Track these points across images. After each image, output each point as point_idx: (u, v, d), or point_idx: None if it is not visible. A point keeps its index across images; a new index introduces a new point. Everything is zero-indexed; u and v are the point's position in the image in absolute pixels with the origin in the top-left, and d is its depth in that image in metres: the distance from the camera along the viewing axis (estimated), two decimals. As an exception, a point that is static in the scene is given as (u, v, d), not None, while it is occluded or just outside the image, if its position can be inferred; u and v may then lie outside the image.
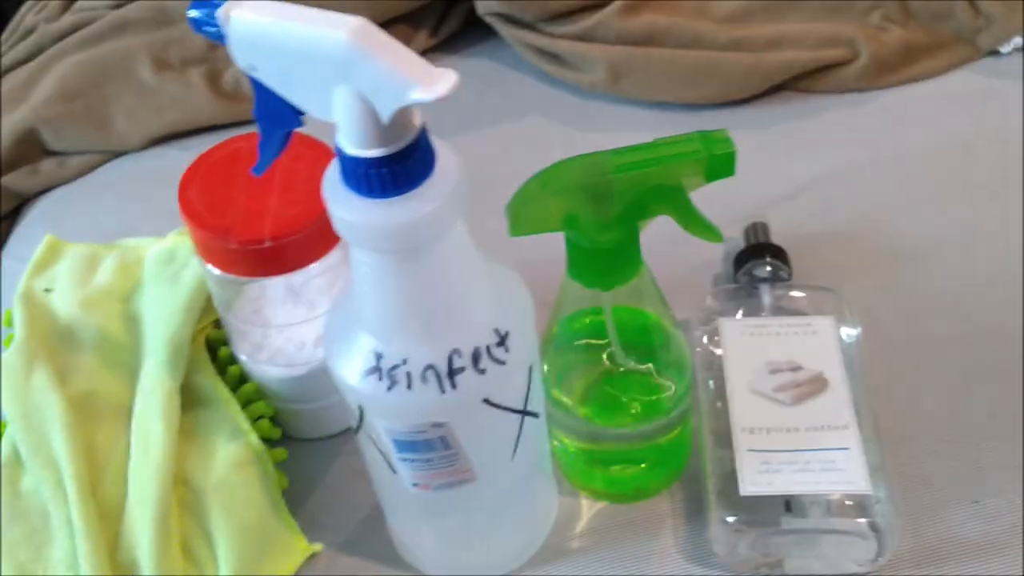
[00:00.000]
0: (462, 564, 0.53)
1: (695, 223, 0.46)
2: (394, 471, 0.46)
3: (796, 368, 0.54)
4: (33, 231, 0.73)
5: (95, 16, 0.79)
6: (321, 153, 0.51)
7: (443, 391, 0.41)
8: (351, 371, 0.42)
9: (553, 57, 0.77)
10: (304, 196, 0.49)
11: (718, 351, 0.56)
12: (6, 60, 0.80)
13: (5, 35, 0.85)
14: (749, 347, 0.56)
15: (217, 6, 0.35)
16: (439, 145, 0.38)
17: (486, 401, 0.43)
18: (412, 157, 0.36)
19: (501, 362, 0.42)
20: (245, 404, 0.56)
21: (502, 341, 0.42)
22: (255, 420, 0.55)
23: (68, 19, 0.80)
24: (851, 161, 0.71)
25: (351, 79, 0.34)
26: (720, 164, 0.44)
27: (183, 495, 0.52)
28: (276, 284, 0.54)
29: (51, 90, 0.75)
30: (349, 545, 0.54)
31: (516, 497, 0.50)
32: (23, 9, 0.85)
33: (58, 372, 0.55)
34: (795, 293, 0.60)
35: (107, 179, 0.75)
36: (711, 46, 0.74)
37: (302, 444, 0.58)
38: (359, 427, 0.45)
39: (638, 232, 0.46)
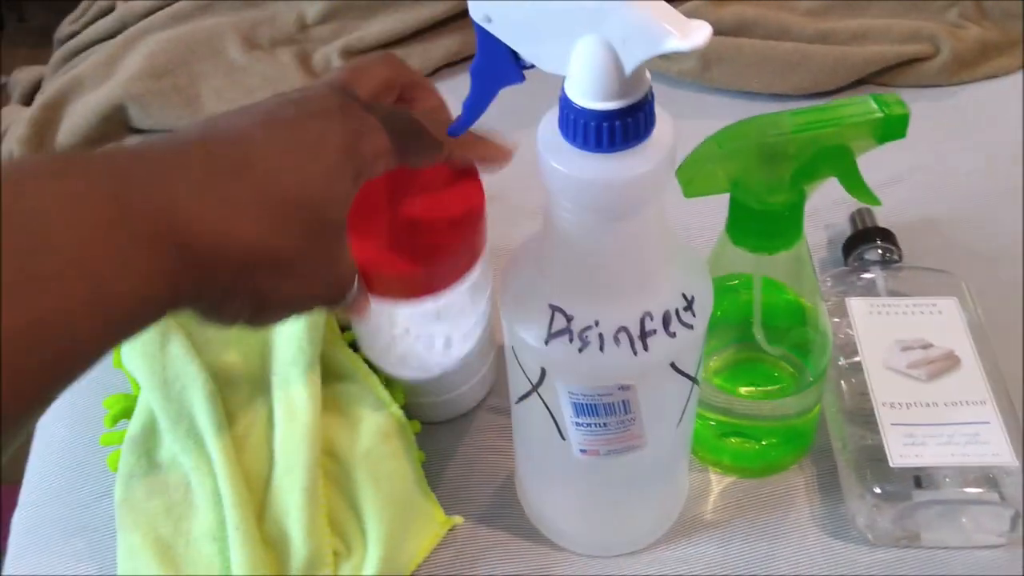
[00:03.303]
0: (602, 539, 0.53)
1: (859, 187, 0.46)
2: (563, 437, 0.46)
3: (927, 346, 0.55)
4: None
5: (178, -5, 0.78)
6: (464, 181, 0.50)
7: (635, 353, 0.41)
8: (536, 334, 0.42)
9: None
10: (448, 225, 0.48)
11: (841, 331, 0.57)
12: (86, 37, 0.78)
13: (75, 14, 0.83)
14: (877, 325, 0.56)
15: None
16: (656, 107, 0.38)
17: (672, 365, 0.43)
18: (643, 112, 0.36)
19: (689, 326, 0.42)
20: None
21: (689, 305, 0.42)
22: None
23: (150, -2, 0.79)
24: (936, 153, 0.73)
25: (602, 28, 0.34)
26: (894, 125, 0.45)
27: (328, 466, 0.52)
28: None
29: (139, 67, 0.74)
30: (486, 518, 0.54)
31: (670, 467, 0.51)
32: (98, -13, 0.84)
33: (192, 343, 0.54)
34: (909, 275, 0.61)
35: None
36: (798, 38, 0.75)
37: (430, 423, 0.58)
38: (529, 393, 0.45)
39: (805, 196, 0.47)
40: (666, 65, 0.77)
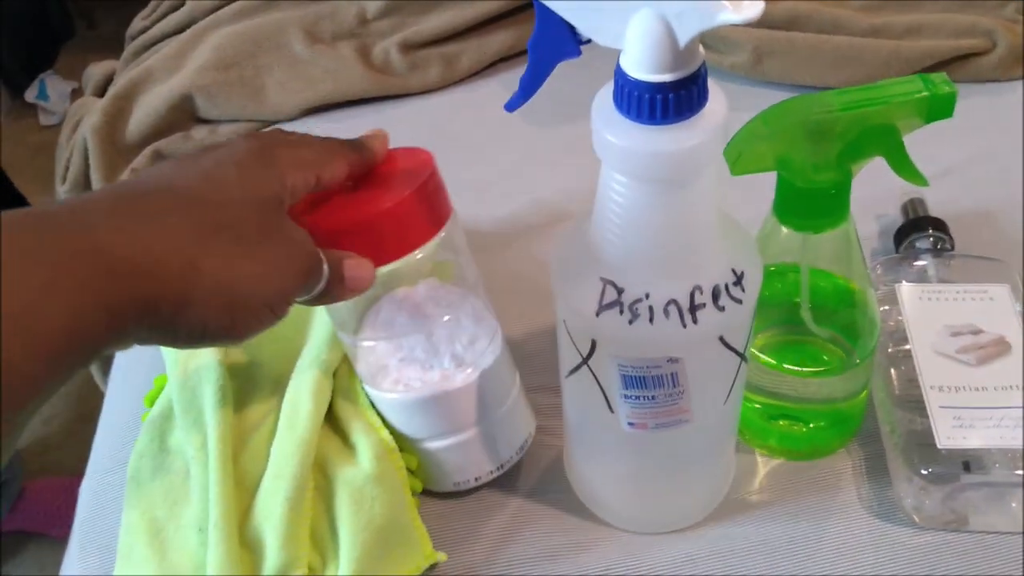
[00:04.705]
0: (649, 516, 0.54)
1: (906, 166, 0.47)
2: (611, 410, 0.47)
3: (977, 331, 0.55)
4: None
5: (245, -9, 0.81)
6: (411, 155, 0.48)
7: (684, 326, 0.42)
8: (587, 306, 0.43)
9: (693, 40, 0.79)
10: (397, 188, 0.46)
11: (891, 318, 0.57)
12: (157, 31, 0.82)
13: (146, 11, 0.87)
14: (927, 311, 0.57)
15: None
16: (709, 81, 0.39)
17: (720, 339, 0.44)
18: (696, 84, 0.37)
19: (738, 301, 0.43)
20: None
21: (739, 280, 0.43)
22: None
23: (218, -6, 0.82)
24: (991, 146, 0.73)
25: (657, 2, 0.35)
26: (941, 104, 0.45)
27: (319, 482, 0.52)
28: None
29: (206, 59, 0.77)
30: (536, 493, 0.56)
31: (716, 444, 0.51)
32: (170, -16, 0.87)
33: None
34: (959, 263, 0.61)
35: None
36: (851, 32, 0.76)
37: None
38: (579, 366, 0.46)
39: (851, 176, 0.47)
40: (718, 59, 0.78)
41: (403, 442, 0.54)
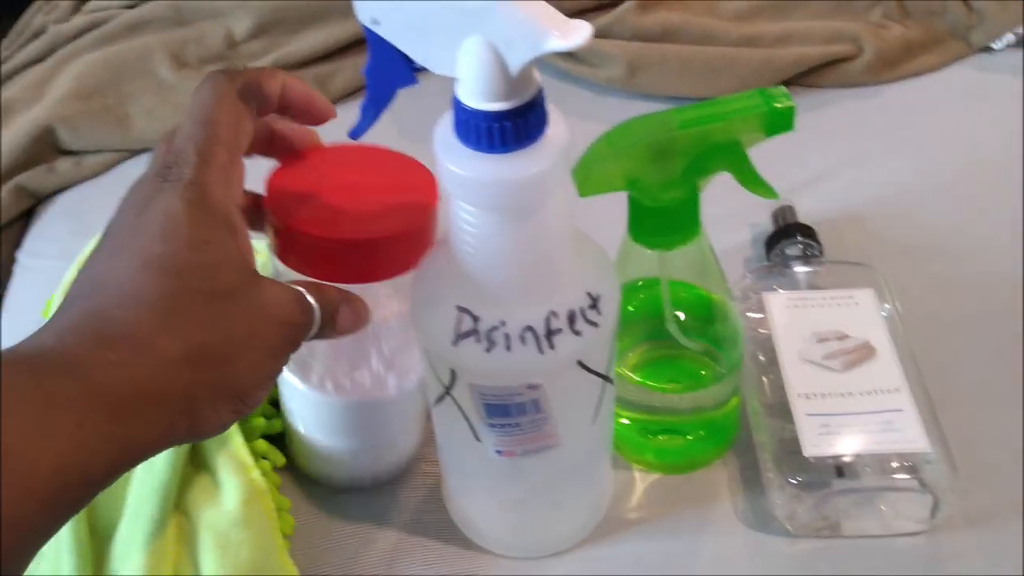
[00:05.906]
0: (527, 541, 0.53)
1: (753, 180, 0.47)
2: (478, 439, 0.46)
3: (843, 337, 0.56)
4: (52, 229, 0.72)
5: (108, 16, 0.79)
6: (411, 170, 0.48)
7: (541, 351, 0.42)
8: (445, 335, 0.43)
9: (568, 54, 0.79)
10: (395, 207, 0.46)
11: (762, 327, 0.58)
12: (17, 60, 0.78)
13: (11, 37, 0.83)
14: (794, 319, 0.57)
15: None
16: (549, 106, 0.39)
17: (579, 363, 0.44)
18: (533, 112, 0.37)
19: (595, 324, 0.43)
20: (249, 438, 0.53)
21: (595, 304, 0.43)
22: (260, 458, 0.53)
23: (80, 20, 0.79)
24: (861, 151, 0.75)
25: (485, 29, 0.35)
26: (780, 118, 0.46)
27: (183, 525, 0.50)
28: None
29: (67, 88, 0.74)
30: (412, 523, 0.54)
31: (588, 466, 0.51)
32: (30, 11, 0.84)
33: None
34: (828, 269, 0.62)
35: (126, 177, 0.74)
36: (723, 42, 0.77)
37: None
38: (443, 396, 0.46)
39: (698, 192, 0.48)
40: (592, 72, 0.78)
41: (300, 444, 0.54)
